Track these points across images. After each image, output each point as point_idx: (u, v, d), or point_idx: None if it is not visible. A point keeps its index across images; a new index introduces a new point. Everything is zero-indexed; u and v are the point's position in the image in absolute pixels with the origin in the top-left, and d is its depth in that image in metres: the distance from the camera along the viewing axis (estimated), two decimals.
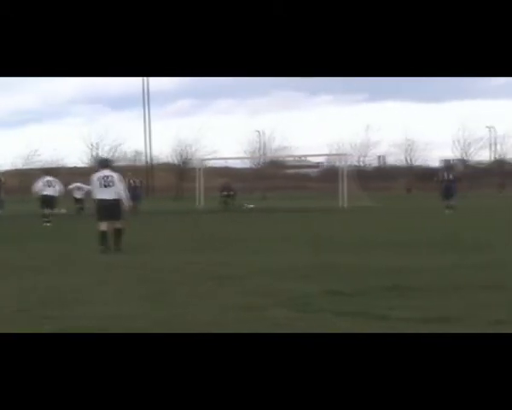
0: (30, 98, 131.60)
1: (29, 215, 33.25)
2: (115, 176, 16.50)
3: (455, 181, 34.29)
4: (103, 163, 17.84)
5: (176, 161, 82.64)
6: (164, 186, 78.45)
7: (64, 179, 37.21)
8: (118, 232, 16.16)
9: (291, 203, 43.15)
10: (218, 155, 73.33)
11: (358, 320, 7.62)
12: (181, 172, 79.79)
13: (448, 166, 36.54)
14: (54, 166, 79.01)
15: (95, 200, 16.76)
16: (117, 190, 16.27)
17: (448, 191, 33.36)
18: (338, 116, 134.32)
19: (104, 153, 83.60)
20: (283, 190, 78.05)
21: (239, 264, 12.89)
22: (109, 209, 16.11)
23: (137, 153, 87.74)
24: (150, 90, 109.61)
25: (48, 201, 27.98)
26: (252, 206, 44.00)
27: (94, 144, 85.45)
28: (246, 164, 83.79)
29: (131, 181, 36.67)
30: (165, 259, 13.85)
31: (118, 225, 16.23)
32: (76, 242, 19.24)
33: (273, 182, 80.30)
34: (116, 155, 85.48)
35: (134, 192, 32.66)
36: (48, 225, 27.02)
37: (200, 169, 51.05)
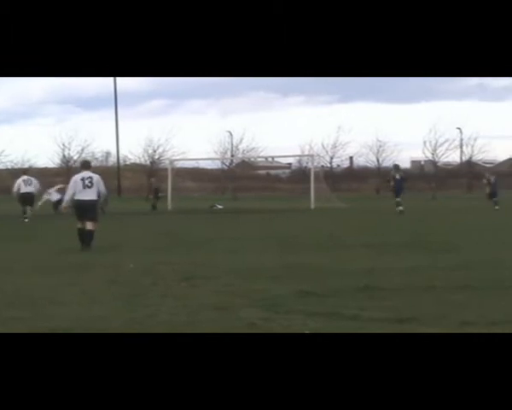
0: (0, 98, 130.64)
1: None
2: (95, 177, 16.99)
3: (402, 180, 35.83)
4: (85, 164, 18.35)
5: (146, 162, 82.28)
6: (133, 187, 78.10)
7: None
8: (90, 233, 16.56)
9: (261, 204, 43.18)
10: (189, 156, 73.20)
11: (330, 321, 7.68)
12: (151, 173, 79.48)
13: (396, 166, 37.95)
14: (23, 166, 78.45)
15: (75, 199, 16.99)
16: (96, 191, 16.85)
17: (398, 191, 35.17)
18: (310, 117, 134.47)
19: (74, 153, 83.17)
20: (254, 190, 78.01)
21: (210, 264, 12.91)
22: (88, 209, 16.64)
23: (107, 153, 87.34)
24: (124, 90, 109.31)
25: (26, 198, 29.30)
26: (221, 207, 43.98)
27: (64, 145, 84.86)
28: (216, 164, 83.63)
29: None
30: (137, 259, 13.81)
31: (90, 226, 16.62)
32: (48, 242, 19.16)
33: (243, 183, 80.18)
34: (85, 155, 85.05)
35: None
36: (26, 221, 28.43)
37: (169, 169, 50.92)
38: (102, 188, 17.37)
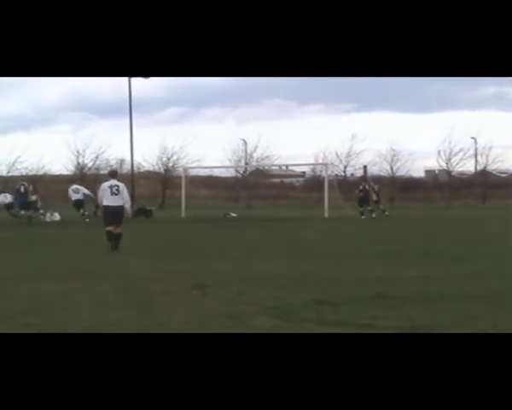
0: (16, 105, 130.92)
1: (11, 223, 33.20)
2: (121, 185, 18.67)
3: (369, 191, 40.68)
4: (112, 173, 19.92)
5: (159, 169, 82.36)
6: (147, 194, 78.17)
7: (47, 186, 38.25)
8: (118, 236, 18.21)
9: (275, 212, 43.14)
10: (203, 164, 73.21)
11: (343, 329, 7.64)
12: (164, 181, 79.56)
13: (363, 177, 42.04)
14: (38, 173, 78.82)
15: (103, 205, 18.65)
16: (122, 198, 18.44)
17: (365, 200, 39.81)
18: (326, 126, 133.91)
19: (89, 160, 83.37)
20: (268, 199, 77.96)
21: (223, 272, 12.89)
22: (115, 213, 18.23)
23: (121, 160, 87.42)
24: (140, 98, 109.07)
25: (78, 204, 36.37)
26: (235, 215, 43.96)
27: (79, 152, 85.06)
28: (230, 173, 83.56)
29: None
30: (150, 267, 13.82)
31: (119, 229, 18.28)
32: (61, 248, 19.21)
33: (257, 191, 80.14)
34: (99, 162, 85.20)
35: None
36: (87, 220, 34.35)
37: (183, 178, 50.98)
38: (126, 195, 18.88)
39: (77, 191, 36.90)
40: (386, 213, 40.23)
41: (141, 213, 41.06)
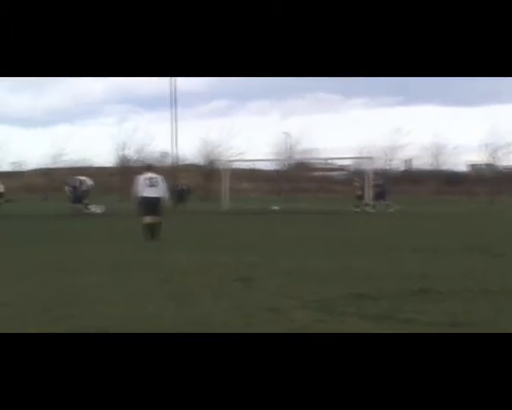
0: (62, 98, 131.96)
1: (56, 215, 33.52)
2: (159, 177, 19.68)
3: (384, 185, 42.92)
4: (149, 167, 20.96)
5: (202, 162, 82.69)
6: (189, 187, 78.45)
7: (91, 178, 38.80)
8: (158, 226, 19.20)
9: (317, 206, 43.07)
10: (246, 157, 73.32)
11: (385, 324, 7.60)
12: (207, 174, 79.85)
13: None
14: (82, 165, 79.54)
15: (141, 196, 19.41)
16: (160, 189, 19.50)
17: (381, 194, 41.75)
18: (370, 119, 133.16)
19: (131, 153, 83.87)
20: (310, 192, 77.90)
21: (264, 265, 12.88)
22: (153, 206, 19.19)
23: (164, 153, 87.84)
24: (184, 90, 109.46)
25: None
26: (277, 208, 43.96)
27: (122, 144, 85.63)
28: (272, 166, 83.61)
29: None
30: (191, 259, 13.86)
31: (158, 219, 19.29)
32: (100, 241, 19.34)
33: (300, 184, 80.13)
34: (142, 155, 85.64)
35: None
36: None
37: (225, 170, 51.09)
38: (165, 187, 19.90)
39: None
40: (391, 209, 41.12)
41: (178, 195, 41.89)
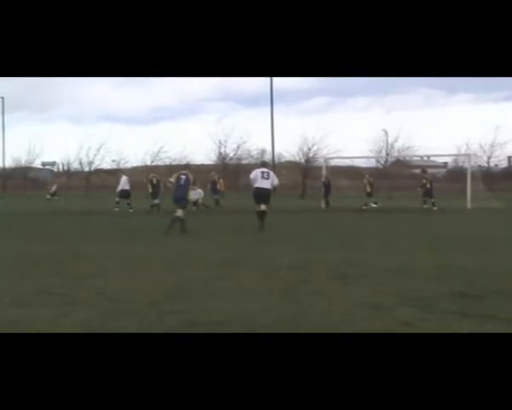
0: (166, 96, 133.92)
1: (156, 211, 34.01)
2: (271, 172, 23.11)
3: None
4: (263, 163, 24.82)
5: (300, 160, 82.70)
6: (288, 184, 78.57)
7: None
8: (263, 214, 22.34)
9: (416, 203, 42.53)
10: (344, 154, 73.04)
11: (486, 323, 7.53)
12: (305, 171, 79.84)
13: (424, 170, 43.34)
14: (181, 162, 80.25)
15: (255, 187, 22.71)
16: (271, 182, 22.65)
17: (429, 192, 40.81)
18: (473, 115, 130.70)
19: (230, 150, 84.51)
20: (409, 189, 77.04)
21: (363, 263, 12.86)
22: (264, 195, 22.47)
23: (262, 151, 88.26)
24: (286, 87, 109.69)
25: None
26: (376, 205, 43.67)
27: (221, 142, 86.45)
28: (371, 163, 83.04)
29: None
30: (290, 256, 13.92)
31: (266, 208, 22.45)
32: (201, 237, 19.57)
33: (398, 181, 79.37)
34: (240, 152, 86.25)
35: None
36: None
37: (324, 168, 50.98)
38: (276, 180, 22.97)
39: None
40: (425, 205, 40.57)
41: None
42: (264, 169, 23.15)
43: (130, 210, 35.92)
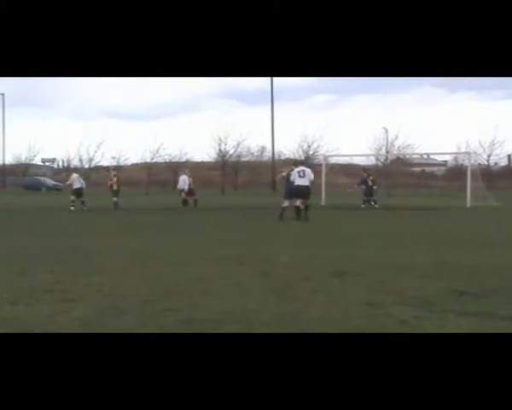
0: (167, 93, 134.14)
1: (155, 208, 34.02)
2: (306, 170, 26.55)
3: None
4: (299, 162, 29.13)
5: (300, 157, 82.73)
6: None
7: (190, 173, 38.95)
8: (307, 208, 25.73)
9: (415, 201, 42.61)
10: (343, 152, 73.12)
11: (485, 321, 7.49)
12: None
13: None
14: (180, 160, 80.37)
15: (294, 185, 25.91)
16: (308, 179, 26.06)
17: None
18: (474, 113, 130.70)
19: (230, 148, 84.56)
20: (408, 187, 77.19)
21: (362, 260, 12.83)
22: (303, 191, 25.89)
23: (262, 148, 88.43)
24: (288, 84, 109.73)
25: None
26: (375, 204, 43.67)
27: (221, 139, 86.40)
28: (371, 161, 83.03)
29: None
30: (289, 253, 13.88)
31: (306, 203, 25.78)
32: (199, 234, 19.57)
33: (398, 179, 79.44)
34: (240, 149, 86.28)
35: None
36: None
37: (323, 165, 51.00)
38: (311, 176, 26.39)
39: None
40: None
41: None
42: (301, 168, 26.69)
43: (85, 208, 35.93)
